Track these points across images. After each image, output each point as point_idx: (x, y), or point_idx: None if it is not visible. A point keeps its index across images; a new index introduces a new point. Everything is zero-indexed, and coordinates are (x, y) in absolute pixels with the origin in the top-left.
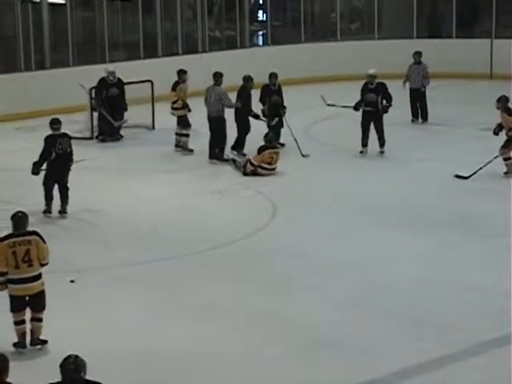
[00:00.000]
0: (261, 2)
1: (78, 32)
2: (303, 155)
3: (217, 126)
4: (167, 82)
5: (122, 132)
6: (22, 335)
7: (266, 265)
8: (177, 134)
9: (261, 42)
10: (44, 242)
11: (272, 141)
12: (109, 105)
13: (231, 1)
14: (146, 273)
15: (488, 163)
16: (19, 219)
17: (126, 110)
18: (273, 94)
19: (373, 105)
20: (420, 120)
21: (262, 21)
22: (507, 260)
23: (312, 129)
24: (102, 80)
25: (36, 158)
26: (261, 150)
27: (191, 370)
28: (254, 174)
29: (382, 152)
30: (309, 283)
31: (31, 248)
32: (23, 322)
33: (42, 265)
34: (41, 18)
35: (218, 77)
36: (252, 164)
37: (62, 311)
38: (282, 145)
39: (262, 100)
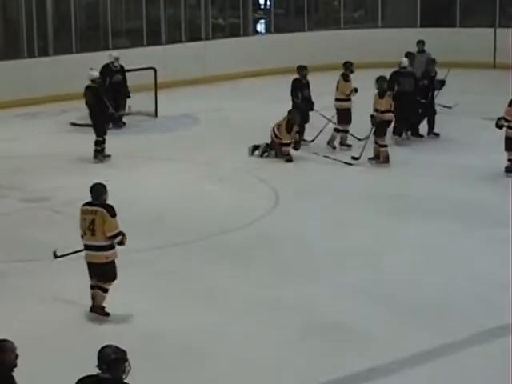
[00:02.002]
0: None
1: (81, 19)
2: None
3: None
4: (170, 69)
5: (124, 119)
6: (92, 299)
7: (268, 252)
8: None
9: (264, 30)
10: (112, 216)
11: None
12: (112, 91)
13: None
14: (149, 259)
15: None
16: (95, 190)
17: (128, 96)
18: (305, 88)
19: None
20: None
21: (265, 9)
22: (507, 250)
23: (313, 117)
24: (106, 66)
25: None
26: (289, 127)
27: (194, 355)
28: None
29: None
30: (310, 270)
31: (96, 218)
32: (91, 287)
33: (108, 238)
34: (44, 4)
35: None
36: (285, 144)
37: (62, 296)
38: (305, 141)
39: (294, 94)
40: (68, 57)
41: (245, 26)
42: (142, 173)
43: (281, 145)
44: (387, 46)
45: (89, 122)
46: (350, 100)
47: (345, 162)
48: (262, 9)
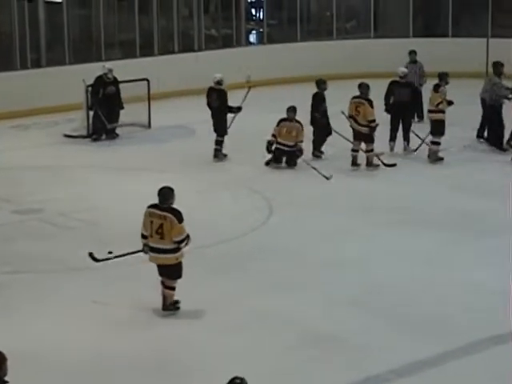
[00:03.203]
0: (257, 0)
1: (74, 30)
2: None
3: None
4: (163, 81)
5: (117, 131)
6: (162, 297)
7: (262, 263)
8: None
9: (257, 41)
10: (180, 221)
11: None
12: (105, 103)
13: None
14: (143, 271)
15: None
16: (162, 194)
17: (122, 108)
18: (324, 101)
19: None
20: (416, 119)
21: (258, 19)
22: (505, 258)
23: (306, 129)
24: (99, 78)
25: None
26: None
27: (188, 367)
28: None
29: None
30: (305, 282)
31: (165, 224)
32: (162, 283)
33: (175, 242)
34: (37, 16)
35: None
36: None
37: (57, 309)
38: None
39: (316, 108)
40: (61, 68)
41: (238, 37)
42: (135, 184)
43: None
44: (380, 56)
45: (82, 133)
46: (439, 112)
47: (323, 176)
48: (255, 19)
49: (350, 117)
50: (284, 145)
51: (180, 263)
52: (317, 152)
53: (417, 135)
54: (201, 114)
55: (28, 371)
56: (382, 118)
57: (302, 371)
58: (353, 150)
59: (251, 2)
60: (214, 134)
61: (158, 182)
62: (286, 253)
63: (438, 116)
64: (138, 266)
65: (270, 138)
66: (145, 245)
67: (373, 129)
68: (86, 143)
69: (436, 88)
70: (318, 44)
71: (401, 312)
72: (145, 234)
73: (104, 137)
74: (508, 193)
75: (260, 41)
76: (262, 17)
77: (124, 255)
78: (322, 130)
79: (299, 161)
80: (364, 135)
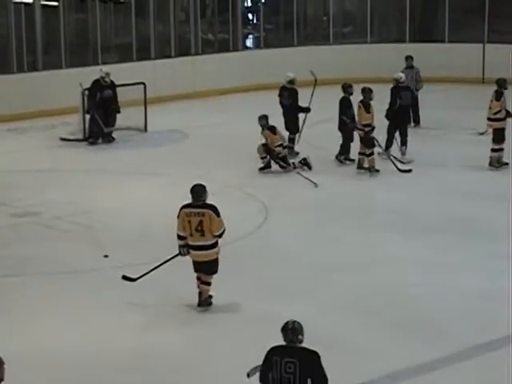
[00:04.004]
0: (253, 5)
1: (70, 34)
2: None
3: None
4: (160, 85)
5: (114, 134)
6: (198, 293)
7: (258, 267)
8: None
9: (253, 45)
10: (218, 216)
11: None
12: (102, 107)
13: (224, 3)
14: (138, 275)
15: None
16: (196, 192)
17: (118, 112)
18: (351, 106)
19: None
20: (412, 124)
21: (254, 24)
22: (499, 264)
23: (305, 132)
24: (96, 82)
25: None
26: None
27: (183, 371)
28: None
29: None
30: (301, 286)
31: (204, 220)
32: (198, 279)
33: (215, 236)
34: (33, 19)
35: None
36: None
37: (53, 312)
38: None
39: (344, 112)
40: (57, 72)
41: (234, 42)
42: (131, 187)
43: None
44: (376, 61)
45: (78, 136)
46: (500, 120)
47: (311, 181)
48: (252, 24)
49: (355, 121)
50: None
51: (217, 258)
52: (341, 157)
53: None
54: (197, 118)
55: (27, 374)
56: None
57: None
58: (359, 154)
59: (248, 6)
60: (211, 139)
61: (153, 185)
62: (283, 256)
63: (499, 124)
64: (133, 269)
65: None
66: (182, 246)
67: (366, 133)
68: (83, 147)
69: (498, 96)
70: (315, 48)
71: (395, 317)
72: (182, 234)
73: (100, 140)
74: (505, 198)
75: (257, 45)
76: (258, 21)
77: (161, 265)
78: (350, 135)
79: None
80: (360, 139)
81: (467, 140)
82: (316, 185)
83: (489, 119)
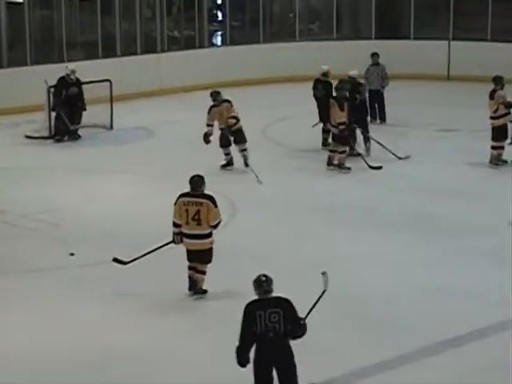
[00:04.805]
0: (219, 2)
1: (35, 31)
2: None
3: None
4: (126, 82)
5: (79, 132)
6: (189, 278)
7: (226, 265)
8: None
9: (219, 42)
10: (215, 206)
11: None
12: (68, 104)
13: (190, 1)
14: (105, 273)
15: None
16: (195, 182)
17: (84, 109)
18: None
19: None
20: (378, 121)
21: (220, 21)
22: (465, 260)
23: (269, 130)
24: (62, 79)
25: None
26: None
27: (149, 369)
28: None
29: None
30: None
31: (202, 209)
32: (190, 268)
33: (211, 226)
34: None
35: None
36: None
37: (18, 311)
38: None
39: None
40: (22, 69)
41: (200, 39)
42: (97, 185)
43: None
44: (342, 57)
45: (44, 134)
46: (498, 117)
47: (257, 177)
48: (218, 21)
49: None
50: (223, 128)
51: (212, 248)
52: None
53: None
54: (164, 116)
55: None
56: None
57: None
58: (330, 151)
59: (214, 3)
60: (177, 136)
61: (120, 183)
62: (250, 254)
63: (498, 122)
64: (99, 267)
65: (206, 129)
66: (176, 234)
67: (341, 131)
68: (48, 144)
69: (492, 94)
70: (281, 45)
71: (360, 314)
72: (178, 222)
73: (66, 138)
74: (474, 195)
75: (223, 42)
76: (224, 18)
77: (153, 250)
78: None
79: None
80: (334, 136)
81: (433, 136)
82: (260, 182)
83: (490, 117)
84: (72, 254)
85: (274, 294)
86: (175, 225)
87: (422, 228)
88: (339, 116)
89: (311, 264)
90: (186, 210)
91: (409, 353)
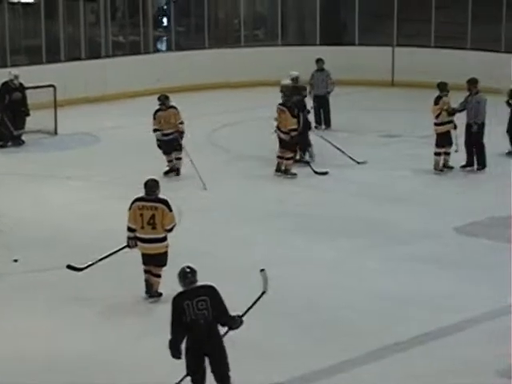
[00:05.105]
0: (164, 7)
1: None
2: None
3: None
4: (70, 87)
5: (23, 137)
6: (145, 282)
7: (172, 270)
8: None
9: (165, 48)
10: (170, 210)
11: None
12: (11, 109)
13: (135, 6)
14: (50, 279)
15: None
16: (150, 186)
17: (28, 115)
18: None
19: None
20: (323, 126)
21: (165, 26)
22: (409, 267)
23: (214, 135)
24: (5, 84)
25: None
26: None
27: (95, 374)
28: None
29: None
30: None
31: (156, 214)
32: (145, 271)
33: (166, 230)
34: None
35: None
36: None
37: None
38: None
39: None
40: None
41: (145, 44)
42: (42, 191)
43: None
44: (287, 63)
45: None
46: (441, 124)
47: (203, 183)
48: (163, 26)
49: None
50: (165, 134)
51: (167, 251)
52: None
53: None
54: (108, 121)
55: None
56: None
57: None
58: (278, 157)
59: (159, 8)
60: (122, 141)
61: (65, 188)
62: (195, 259)
63: (440, 129)
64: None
65: (154, 135)
66: (131, 238)
67: (293, 137)
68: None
69: (437, 100)
70: (226, 51)
71: (306, 318)
72: (132, 227)
73: (10, 143)
74: (419, 201)
75: (168, 48)
76: (169, 24)
77: (108, 256)
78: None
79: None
80: (284, 142)
81: (378, 142)
82: (205, 188)
83: (434, 124)
84: (16, 261)
85: (199, 283)
86: (130, 229)
87: (367, 234)
88: (291, 123)
89: (256, 269)
90: (141, 215)
91: (356, 357)
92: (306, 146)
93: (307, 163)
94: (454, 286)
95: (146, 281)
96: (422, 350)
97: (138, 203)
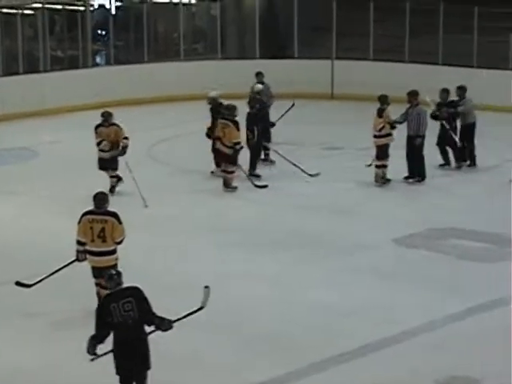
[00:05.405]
0: (103, 21)
1: None
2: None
3: None
4: (8, 102)
5: None
6: (97, 295)
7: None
8: None
9: (103, 62)
10: (120, 223)
11: None
12: None
13: (73, 20)
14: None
15: None
16: (99, 199)
17: None
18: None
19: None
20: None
21: (104, 40)
22: (349, 279)
23: (154, 149)
24: None
25: None
26: None
27: None
28: None
29: None
30: (156, 303)
31: (106, 227)
32: (96, 284)
33: (116, 243)
34: None
35: None
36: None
37: None
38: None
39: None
40: None
41: (84, 58)
42: None
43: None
44: (227, 77)
45: None
46: (382, 136)
47: (143, 200)
48: (102, 40)
49: (217, 138)
50: (102, 151)
51: (117, 264)
52: (252, 171)
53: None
54: (47, 136)
55: None
56: None
57: None
58: (222, 171)
59: (97, 22)
60: (61, 156)
61: (5, 204)
62: (138, 275)
63: (381, 141)
64: None
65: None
66: (80, 252)
67: (237, 151)
68: None
69: (380, 112)
70: (166, 65)
71: (247, 332)
72: (82, 240)
73: None
74: (359, 213)
75: (107, 62)
76: (108, 38)
77: (58, 270)
78: (257, 150)
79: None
80: (227, 156)
81: (319, 155)
82: (146, 205)
83: (374, 136)
84: None
85: (124, 285)
86: (79, 243)
87: (308, 246)
88: (235, 136)
89: (196, 283)
90: (91, 228)
91: (296, 370)
92: (257, 158)
93: (246, 175)
94: (393, 298)
95: (98, 294)
96: (363, 362)
97: (88, 216)
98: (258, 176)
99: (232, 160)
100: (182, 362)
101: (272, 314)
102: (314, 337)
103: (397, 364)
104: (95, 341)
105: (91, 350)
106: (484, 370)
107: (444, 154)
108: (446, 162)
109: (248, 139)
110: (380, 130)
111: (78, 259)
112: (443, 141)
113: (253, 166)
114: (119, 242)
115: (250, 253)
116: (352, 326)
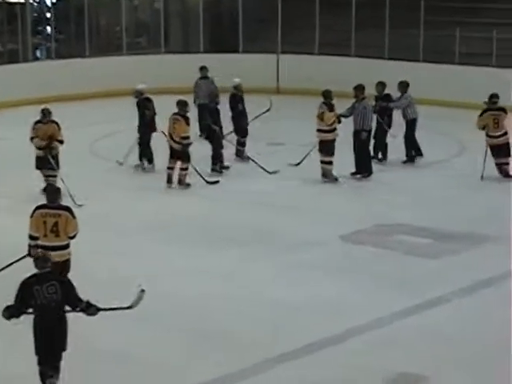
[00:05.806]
0: (44, 14)
1: None
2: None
3: None
4: None
5: None
6: None
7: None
8: None
9: (44, 56)
10: (73, 217)
11: None
12: None
13: (12, 13)
14: None
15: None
16: (51, 193)
17: None
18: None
19: None
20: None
21: (45, 34)
22: (299, 274)
23: (95, 145)
24: None
25: None
26: None
27: None
28: None
29: None
30: (97, 299)
31: (60, 221)
32: None
33: (70, 237)
34: None
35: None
36: None
37: None
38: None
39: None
40: None
41: (24, 52)
42: None
43: None
44: (170, 71)
45: None
46: (329, 131)
47: (75, 202)
48: (42, 34)
49: (169, 134)
50: (39, 148)
51: (70, 259)
52: (216, 167)
53: None
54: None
55: None
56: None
57: None
58: (168, 168)
59: (38, 15)
60: (3, 153)
61: None
62: (81, 270)
63: (330, 136)
64: None
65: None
66: (32, 246)
67: (185, 146)
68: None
69: (331, 107)
70: (108, 59)
71: (197, 330)
72: (35, 235)
73: None
74: (306, 209)
75: (48, 56)
76: (49, 31)
77: (8, 266)
78: (220, 143)
79: None
80: (178, 152)
81: (263, 150)
82: (81, 204)
83: (320, 130)
84: None
85: (48, 269)
86: (32, 237)
87: (256, 243)
88: (184, 130)
89: (144, 280)
90: (44, 222)
91: (244, 368)
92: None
93: (196, 171)
94: (340, 294)
95: None
96: (311, 359)
97: (40, 210)
98: (227, 167)
99: (182, 156)
100: (126, 363)
101: (223, 311)
102: (264, 334)
103: (344, 361)
104: (10, 312)
105: (5, 314)
106: (433, 366)
107: (380, 148)
108: (384, 157)
109: (211, 132)
110: (331, 124)
111: (29, 254)
112: (377, 135)
113: (220, 158)
114: (73, 237)
115: (201, 249)
116: (300, 322)
